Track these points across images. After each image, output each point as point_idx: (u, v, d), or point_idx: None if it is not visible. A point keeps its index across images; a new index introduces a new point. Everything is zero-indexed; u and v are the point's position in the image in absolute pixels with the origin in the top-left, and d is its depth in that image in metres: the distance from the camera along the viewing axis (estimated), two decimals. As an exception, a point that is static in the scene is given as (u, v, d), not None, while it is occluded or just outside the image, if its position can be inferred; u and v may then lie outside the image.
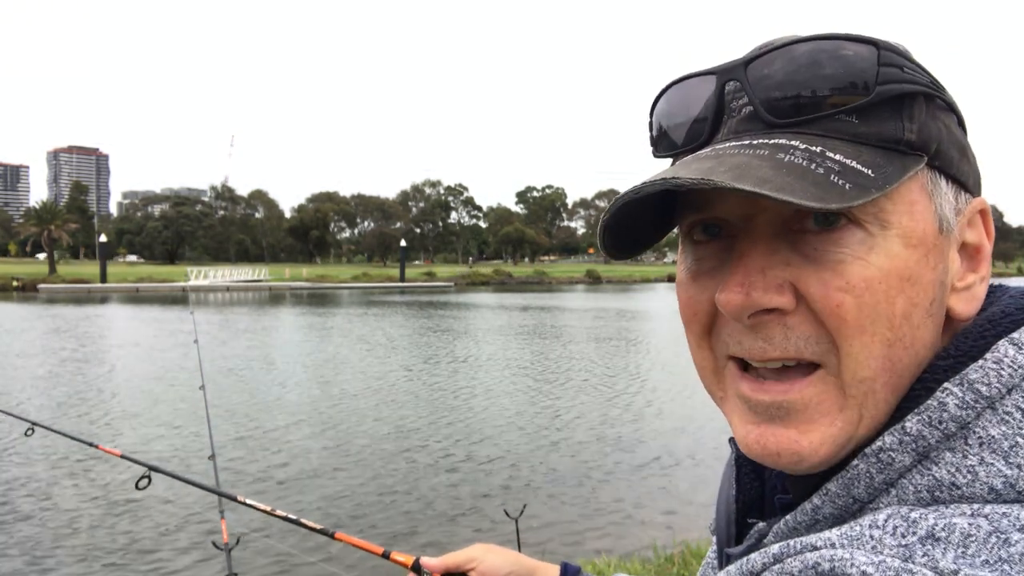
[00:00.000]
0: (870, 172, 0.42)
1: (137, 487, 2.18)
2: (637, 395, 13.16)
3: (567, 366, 16.84)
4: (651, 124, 0.54)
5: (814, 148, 0.43)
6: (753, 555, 0.44)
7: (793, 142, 0.44)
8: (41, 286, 52.43)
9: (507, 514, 2.26)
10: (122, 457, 2.53)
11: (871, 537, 0.39)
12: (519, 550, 2.49)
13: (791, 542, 0.42)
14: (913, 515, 0.39)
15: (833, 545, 0.39)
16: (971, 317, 0.47)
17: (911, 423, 0.42)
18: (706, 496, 7.50)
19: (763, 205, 0.45)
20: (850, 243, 0.44)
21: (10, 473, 7.80)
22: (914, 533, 0.38)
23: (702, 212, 0.49)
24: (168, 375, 15.07)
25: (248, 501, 1.88)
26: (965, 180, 0.47)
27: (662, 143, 0.53)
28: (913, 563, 0.36)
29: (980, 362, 0.42)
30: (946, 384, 0.42)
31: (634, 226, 0.52)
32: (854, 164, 0.43)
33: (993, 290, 0.51)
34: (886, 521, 0.39)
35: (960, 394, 0.42)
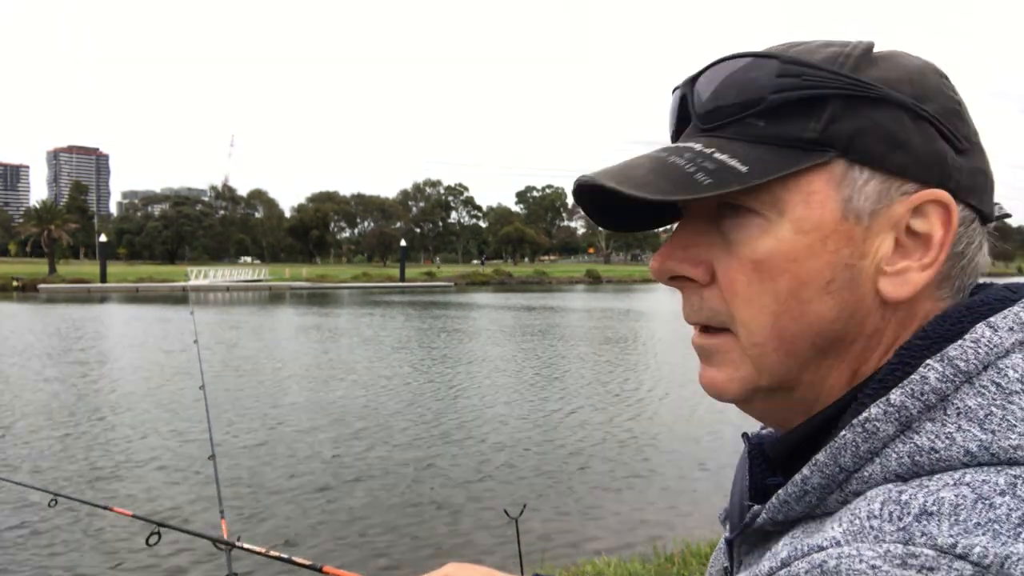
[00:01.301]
0: (743, 168, 0.49)
1: (148, 543, 2.39)
2: (638, 396, 13.16)
3: (568, 367, 16.84)
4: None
5: (706, 150, 0.51)
6: (762, 562, 0.48)
7: (694, 145, 0.53)
8: (41, 286, 52.41)
9: (507, 514, 2.26)
10: (133, 517, 2.90)
11: (871, 527, 0.42)
12: (519, 550, 2.50)
13: (798, 545, 0.45)
14: (904, 496, 0.42)
15: (838, 543, 0.42)
16: (901, 299, 0.51)
17: (895, 395, 0.46)
18: (707, 496, 7.50)
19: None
20: (748, 227, 0.52)
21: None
22: (908, 513, 0.41)
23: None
24: (168, 375, 15.07)
25: (245, 546, 2.19)
26: (899, 171, 0.50)
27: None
28: (914, 544, 0.39)
29: (959, 341, 0.47)
30: (928, 360, 0.47)
31: (623, 206, 0.58)
32: (732, 162, 0.50)
33: (981, 286, 0.57)
34: (882, 508, 0.42)
35: (941, 369, 0.46)
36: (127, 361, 17.39)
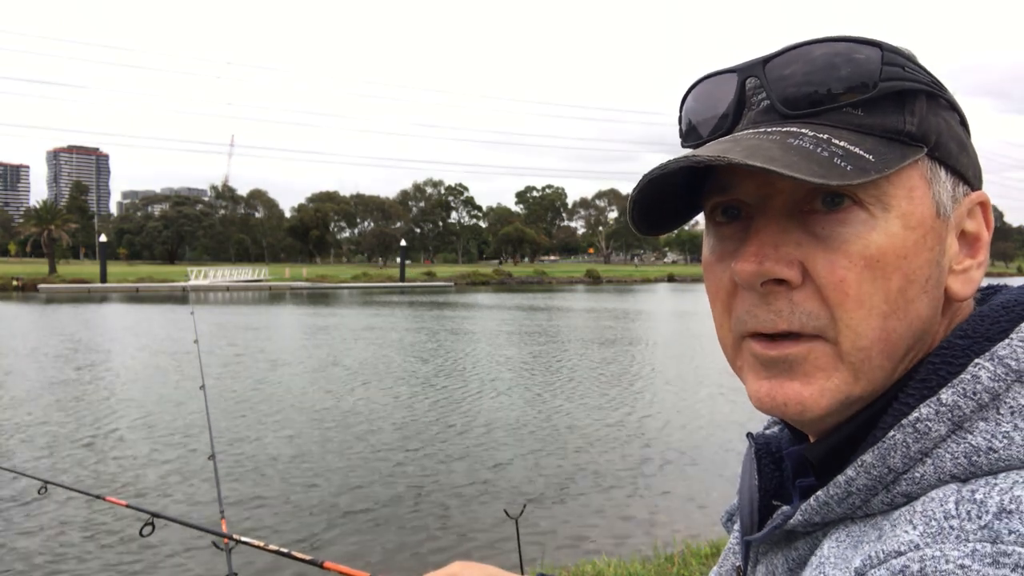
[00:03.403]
0: (871, 157, 0.47)
1: (141, 534, 2.37)
2: (638, 396, 13.16)
3: (568, 367, 16.83)
4: (680, 118, 0.60)
5: (821, 135, 0.48)
6: (815, 570, 0.47)
7: (803, 130, 0.49)
8: (41, 286, 52.43)
9: (507, 514, 2.26)
10: (127, 507, 2.87)
11: (952, 527, 0.40)
12: (519, 550, 2.50)
13: (871, 554, 0.43)
14: (977, 495, 0.41)
15: (917, 546, 0.41)
16: (967, 298, 0.52)
17: (946, 395, 0.46)
18: (707, 496, 7.50)
19: (778, 187, 0.50)
20: (854, 223, 0.49)
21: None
22: (987, 512, 0.40)
23: (724, 194, 0.54)
24: (168, 375, 15.07)
25: (244, 539, 2.19)
26: (964, 172, 0.52)
27: (690, 135, 0.58)
28: (1003, 543, 0.38)
29: (1007, 341, 0.47)
30: (977, 360, 0.46)
31: (662, 205, 0.57)
32: (856, 150, 0.47)
33: (996, 288, 0.58)
34: (957, 508, 0.41)
35: (992, 368, 0.45)
36: (127, 361, 17.38)
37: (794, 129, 0.49)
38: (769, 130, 0.50)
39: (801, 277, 0.50)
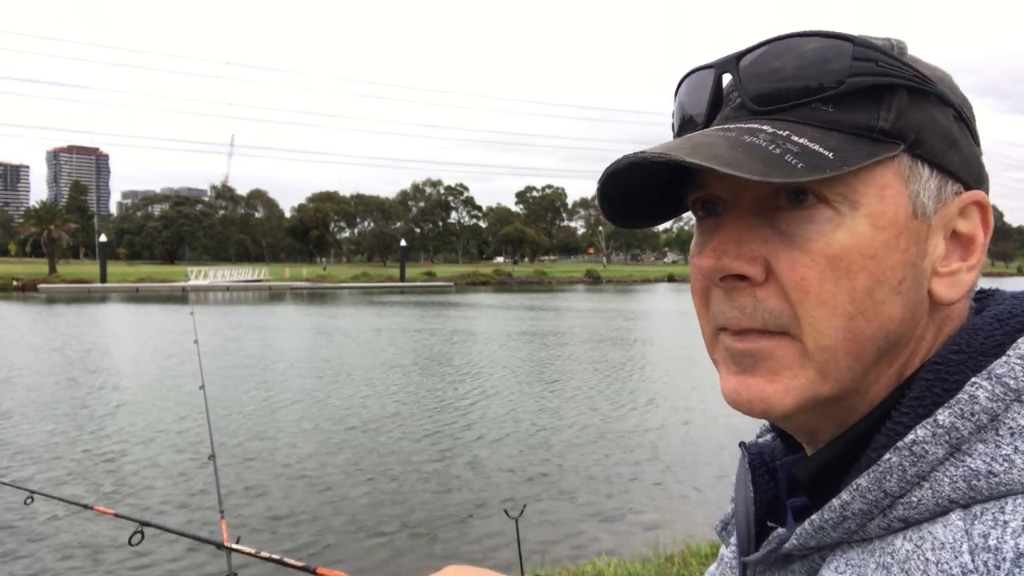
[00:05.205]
0: (829, 155, 0.46)
1: (130, 543, 2.36)
2: (638, 396, 13.16)
3: (568, 367, 16.84)
4: (673, 112, 0.59)
5: (781, 132, 0.47)
6: None
7: (764, 127, 0.48)
8: (41, 286, 52.48)
9: (507, 514, 2.27)
10: (115, 516, 2.84)
11: None
12: (519, 550, 2.50)
13: None
14: (991, 541, 0.40)
15: None
16: (954, 301, 0.51)
17: (943, 416, 0.44)
18: (707, 496, 7.50)
19: (746, 184, 0.49)
20: (818, 220, 0.48)
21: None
22: (1005, 559, 0.39)
23: (702, 190, 0.53)
24: (168, 374, 15.07)
25: (235, 546, 2.21)
26: (954, 170, 0.50)
27: (681, 130, 0.57)
28: None
29: (1004, 358, 0.45)
30: (974, 379, 0.45)
31: (642, 198, 0.56)
32: (815, 147, 0.46)
33: (990, 293, 0.56)
34: (974, 560, 0.40)
35: (990, 387, 0.44)
36: (127, 361, 17.39)
37: (755, 126, 0.49)
38: (729, 127, 0.50)
39: (764, 274, 0.49)
